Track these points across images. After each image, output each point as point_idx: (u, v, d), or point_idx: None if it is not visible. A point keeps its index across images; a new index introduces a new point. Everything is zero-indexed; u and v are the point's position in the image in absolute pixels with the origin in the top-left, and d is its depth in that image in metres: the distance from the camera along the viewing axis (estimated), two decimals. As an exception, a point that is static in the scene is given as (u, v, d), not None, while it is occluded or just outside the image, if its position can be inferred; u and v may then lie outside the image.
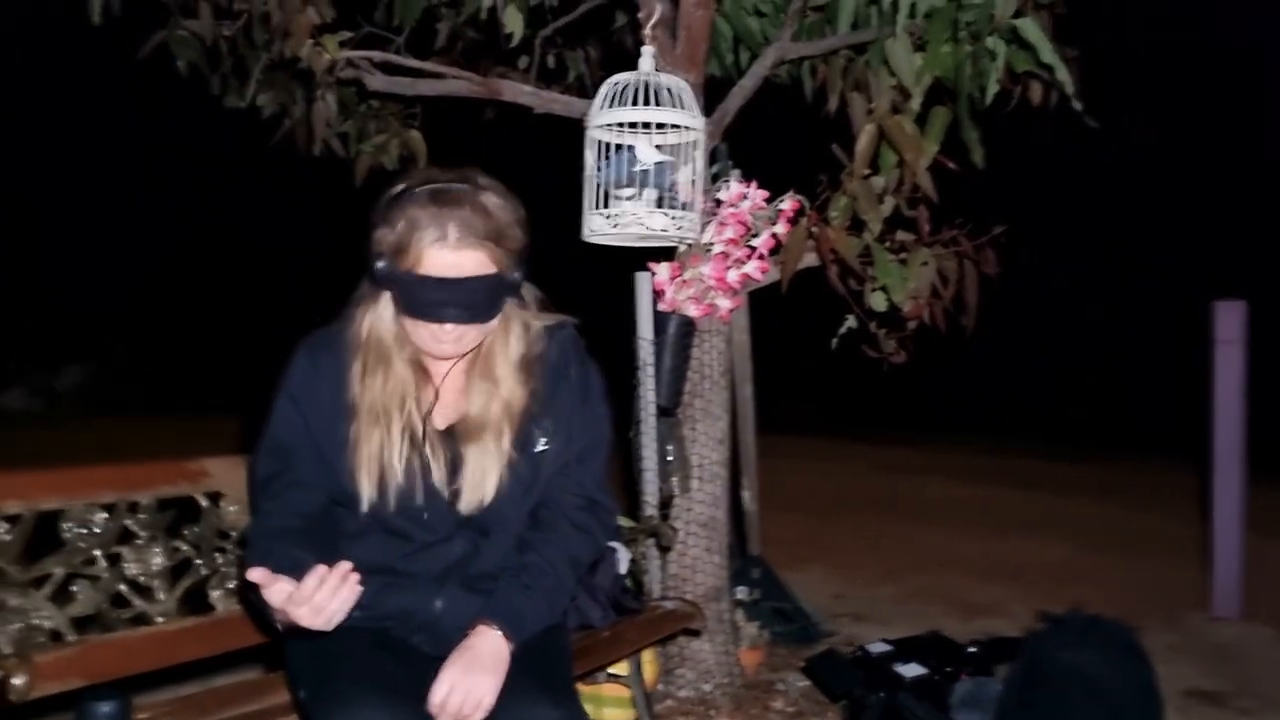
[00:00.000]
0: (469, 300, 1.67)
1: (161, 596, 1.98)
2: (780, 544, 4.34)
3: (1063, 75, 2.78)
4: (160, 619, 1.96)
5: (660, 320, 2.98)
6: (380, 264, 1.69)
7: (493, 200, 1.71)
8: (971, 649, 3.10)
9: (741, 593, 3.51)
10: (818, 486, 7.59)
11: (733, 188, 2.92)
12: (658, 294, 2.97)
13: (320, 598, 1.52)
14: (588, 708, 1.74)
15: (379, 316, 1.78)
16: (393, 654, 1.74)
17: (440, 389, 1.81)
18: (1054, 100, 3.20)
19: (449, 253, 1.66)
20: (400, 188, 1.72)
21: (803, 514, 6.28)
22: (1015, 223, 3.11)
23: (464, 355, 1.79)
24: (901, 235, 3.02)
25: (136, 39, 3.57)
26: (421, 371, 1.81)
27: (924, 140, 2.91)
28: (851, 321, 3.13)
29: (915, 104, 2.97)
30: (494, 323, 1.76)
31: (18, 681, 1.43)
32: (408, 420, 1.76)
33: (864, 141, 2.92)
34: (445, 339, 1.72)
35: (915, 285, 2.94)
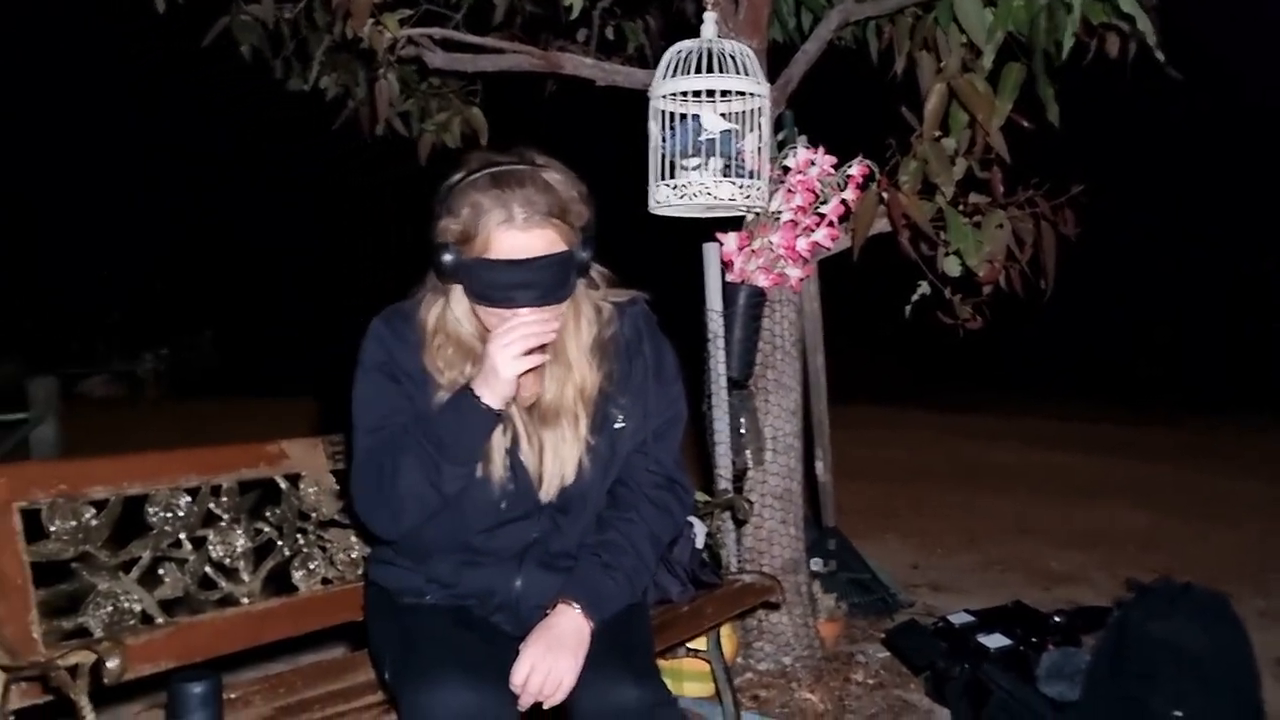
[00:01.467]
0: (541, 280, 1.64)
1: (246, 578, 2.00)
2: (853, 514, 4.30)
3: (1144, 25, 2.67)
4: (246, 600, 1.98)
5: (729, 291, 2.94)
6: (447, 255, 1.66)
7: (554, 176, 1.68)
8: (1056, 619, 3.03)
9: (817, 564, 3.48)
10: (890, 455, 7.51)
11: (800, 154, 2.87)
12: (726, 264, 2.93)
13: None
14: (668, 683, 1.72)
15: (453, 313, 1.75)
16: (474, 632, 1.75)
17: None
18: (1132, 52, 3.08)
19: (517, 233, 1.63)
20: (459, 175, 1.69)
21: (875, 483, 6.22)
22: (1088, 179, 3.01)
23: None
24: (975, 198, 2.95)
25: (200, 27, 3.61)
26: None
27: (997, 99, 2.82)
28: (925, 287, 3.06)
29: (986, 61, 2.88)
30: (565, 304, 1.74)
31: (112, 664, 1.45)
32: None
33: (934, 102, 2.84)
34: None
35: (990, 249, 2.86)
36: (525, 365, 1.65)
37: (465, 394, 1.67)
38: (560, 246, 1.66)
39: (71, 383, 13.33)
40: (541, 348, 1.67)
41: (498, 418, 1.68)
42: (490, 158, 1.71)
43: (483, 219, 1.63)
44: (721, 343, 2.93)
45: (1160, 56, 2.75)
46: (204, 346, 18.15)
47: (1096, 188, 3.11)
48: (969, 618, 3.04)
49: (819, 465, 3.68)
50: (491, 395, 1.65)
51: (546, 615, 1.69)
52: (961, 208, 2.88)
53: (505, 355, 1.62)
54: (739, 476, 3.00)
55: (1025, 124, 2.91)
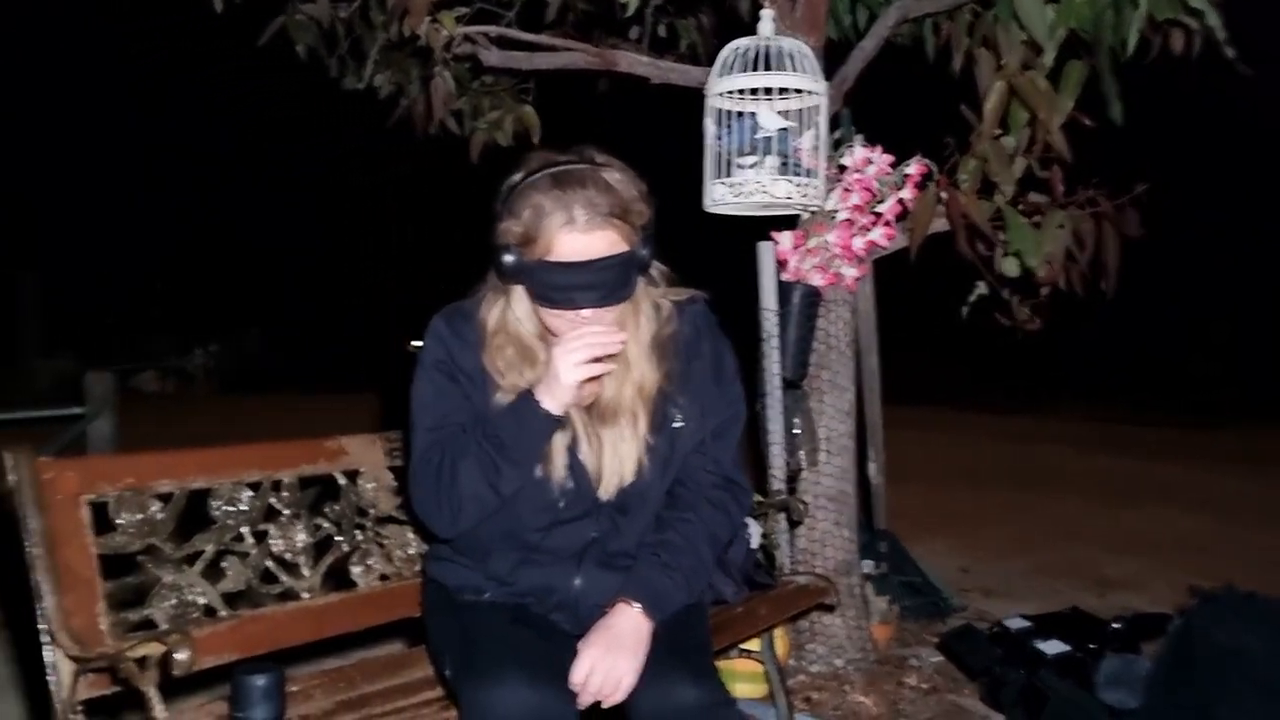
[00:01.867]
0: (603, 281, 1.63)
1: (306, 572, 2.02)
2: (903, 515, 4.25)
3: (1213, 20, 2.62)
4: (306, 594, 2.00)
5: (784, 290, 2.92)
6: (508, 257, 1.65)
7: (615, 176, 1.67)
8: (1115, 625, 2.98)
9: (868, 566, 3.45)
10: (939, 456, 7.43)
11: (857, 153, 2.84)
12: (781, 263, 2.91)
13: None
14: (721, 683, 1.71)
15: (514, 313, 1.75)
16: (533, 630, 1.75)
17: None
18: (1197, 47, 3.02)
19: (579, 235, 1.62)
20: (518, 176, 1.68)
21: (925, 484, 6.15)
22: (1147, 177, 2.96)
23: None
24: (1034, 197, 2.90)
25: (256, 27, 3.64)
26: None
27: (1058, 96, 2.78)
28: (982, 288, 3.02)
29: (1048, 59, 2.84)
30: (626, 304, 1.73)
31: (181, 656, 1.46)
32: None
33: (993, 100, 2.81)
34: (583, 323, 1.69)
35: (1050, 249, 2.82)
36: (588, 373, 1.64)
37: (526, 398, 1.67)
38: (622, 247, 1.65)
39: (124, 378, 13.57)
40: (606, 357, 1.66)
41: (558, 422, 1.68)
42: (550, 157, 1.70)
43: (544, 221, 1.62)
44: (776, 342, 2.91)
45: (1230, 53, 2.69)
46: (251, 342, 18.41)
47: (1158, 185, 3.05)
48: (1025, 623, 3.00)
49: (871, 467, 3.65)
50: (552, 401, 1.65)
51: (605, 614, 1.68)
52: (1021, 207, 2.83)
53: (568, 363, 1.62)
54: (792, 477, 2.98)
55: (1087, 122, 2.86)
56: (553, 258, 1.62)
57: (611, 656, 1.61)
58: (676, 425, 1.80)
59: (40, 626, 1.63)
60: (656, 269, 1.80)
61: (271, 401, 11.84)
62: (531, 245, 1.63)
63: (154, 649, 1.50)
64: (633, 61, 3.11)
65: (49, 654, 1.63)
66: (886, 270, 3.28)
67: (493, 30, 3.08)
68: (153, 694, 1.53)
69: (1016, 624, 2.99)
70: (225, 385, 15.99)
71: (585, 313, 1.65)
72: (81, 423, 5.16)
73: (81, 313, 17.19)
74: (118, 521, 1.77)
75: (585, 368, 1.63)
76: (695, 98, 2.74)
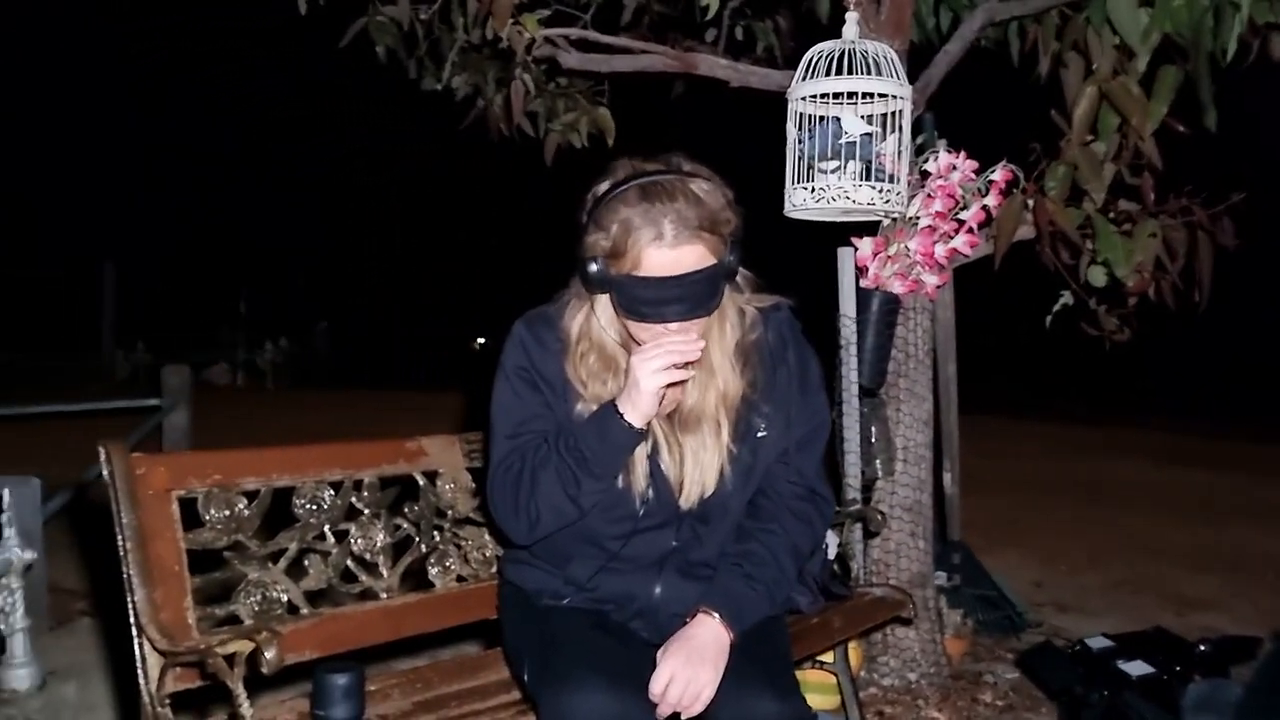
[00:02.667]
0: (691, 295, 1.60)
1: (385, 572, 2.03)
2: (973, 526, 4.17)
3: (1316, 24, 2.53)
4: (384, 594, 2.01)
5: (863, 297, 2.87)
6: (594, 268, 1.63)
7: (703, 186, 1.63)
8: (1202, 648, 2.88)
9: (941, 578, 3.39)
10: (1011, 467, 7.30)
11: (941, 159, 2.78)
12: (860, 270, 2.87)
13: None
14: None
15: (598, 321, 1.73)
16: (613, 637, 1.74)
17: None
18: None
19: (667, 250, 1.59)
20: (605, 186, 1.65)
21: (998, 495, 6.05)
22: (1242, 184, 2.86)
23: None
24: (1124, 205, 2.82)
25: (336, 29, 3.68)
26: None
27: (1151, 102, 2.70)
28: (1067, 297, 2.94)
29: (1141, 64, 2.77)
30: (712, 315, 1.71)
31: (270, 654, 1.47)
32: None
33: (1084, 105, 2.75)
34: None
35: (1140, 259, 2.74)
36: (668, 379, 1.62)
37: (609, 410, 1.65)
38: (710, 260, 1.62)
39: (195, 371, 13.89)
40: (686, 364, 1.64)
41: (640, 435, 1.66)
42: (638, 167, 1.67)
43: (632, 236, 1.59)
44: (854, 349, 2.87)
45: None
46: (321, 338, 18.71)
47: (1254, 193, 2.96)
48: (1108, 642, 2.91)
49: (946, 477, 3.59)
50: (634, 412, 1.63)
51: (685, 624, 1.66)
52: (1111, 215, 2.76)
53: (647, 369, 1.59)
54: (868, 486, 2.94)
55: (1180, 128, 2.78)
56: (641, 273, 1.60)
57: (692, 667, 1.58)
58: (760, 435, 1.78)
59: (130, 619, 1.66)
60: (742, 275, 1.77)
61: (341, 398, 12.02)
62: (619, 259, 1.61)
63: (243, 646, 1.52)
64: (712, 64, 3.09)
65: (138, 647, 1.66)
66: (966, 278, 3.21)
67: (573, 33, 3.07)
68: (240, 690, 1.54)
69: (1099, 643, 2.91)
70: (295, 380, 16.26)
71: (672, 325, 1.63)
72: (159, 414, 5.27)
73: (155, 304, 17.61)
74: (206, 517, 1.80)
75: (665, 374, 1.60)
76: (770, 101, 2.71)
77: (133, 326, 16.52)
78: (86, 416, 5.42)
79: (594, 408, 1.70)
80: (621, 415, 1.63)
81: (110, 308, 16.70)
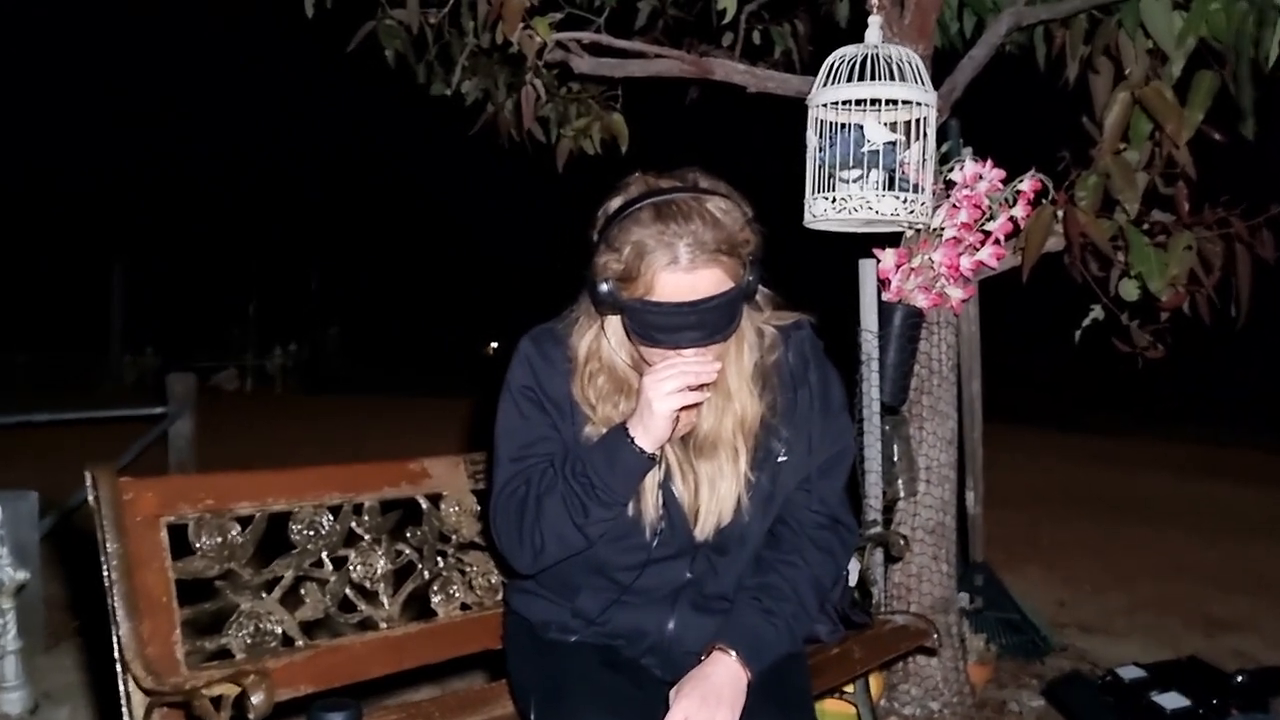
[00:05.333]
0: (708, 321, 1.50)
1: (385, 601, 1.94)
2: (994, 543, 4.06)
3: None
4: (384, 624, 1.92)
5: (885, 311, 2.77)
6: (604, 289, 1.52)
7: (720, 205, 1.52)
8: (1239, 678, 2.76)
9: (963, 601, 3.28)
10: (1031, 481, 7.16)
11: (967, 168, 2.68)
12: (883, 282, 2.77)
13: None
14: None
15: (608, 341, 1.63)
16: (623, 675, 1.64)
17: None
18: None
19: (683, 275, 1.48)
20: (618, 203, 1.55)
21: (1018, 510, 5.92)
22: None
23: None
24: (1158, 216, 2.72)
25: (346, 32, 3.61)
26: None
27: (1186, 109, 2.59)
28: (1098, 311, 2.84)
29: (1175, 69, 2.66)
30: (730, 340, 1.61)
31: (257, 699, 1.37)
32: None
33: (1117, 112, 2.63)
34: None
35: (1176, 272, 2.63)
36: (683, 402, 1.51)
37: (618, 434, 1.55)
38: (727, 284, 1.51)
39: (204, 376, 13.85)
40: (701, 385, 1.54)
41: (652, 461, 1.56)
42: (652, 184, 1.56)
43: (646, 259, 1.48)
44: (875, 365, 2.77)
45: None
46: (331, 343, 18.66)
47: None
48: (1140, 672, 2.80)
49: (970, 496, 3.48)
50: (646, 436, 1.53)
51: (701, 662, 1.56)
52: (1145, 227, 2.65)
53: (660, 390, 1.49)
54: (889, 507, 2.83)
55: (1216, 136, 2.67)
56: (655, 298, 1.49)
57: (708, 709, 1.48)
58: (781, 459, 1.67)
59: (115, 655, 1.57)
60: (761, 293, 1.67)
61: (351, 404, 11.95)
62: (632, 283, 1.50)
63: (229, 689, 1.42)
64: (729, 69, 2.99)
65: (122, 684, 1.57)
66: (990, 291, 3.11)
67: (586, 37, 2.98)
68: (226, 734, 1.45)
69: (1130, 673, 2.79)
70: (305, 386, 16.20)
71: (687, 352, 1.52)
72: (163, 423, 5.19)
73: (164, 307, 17.61)
74: (197, 545, 1.71)
75: (679, 396, 1.50)
76: (786, 107, 2.61)
77: (142, 330, 16.50)
78: (91, 424, 5.35)
79: (603, 431, 1.61)
80: (632, 439, 1.53)
81: (119, 311, 16.68)
